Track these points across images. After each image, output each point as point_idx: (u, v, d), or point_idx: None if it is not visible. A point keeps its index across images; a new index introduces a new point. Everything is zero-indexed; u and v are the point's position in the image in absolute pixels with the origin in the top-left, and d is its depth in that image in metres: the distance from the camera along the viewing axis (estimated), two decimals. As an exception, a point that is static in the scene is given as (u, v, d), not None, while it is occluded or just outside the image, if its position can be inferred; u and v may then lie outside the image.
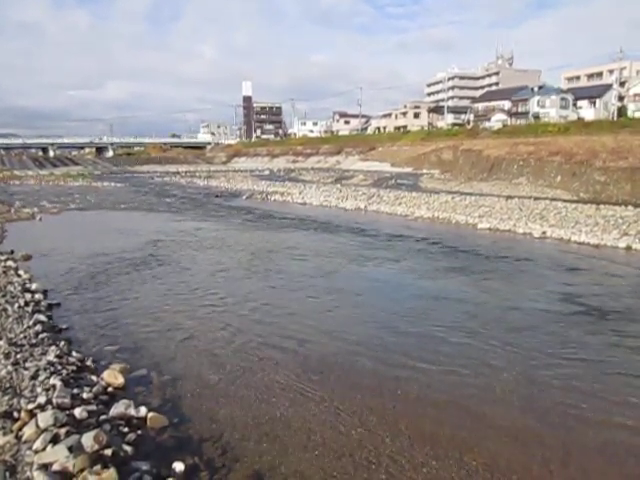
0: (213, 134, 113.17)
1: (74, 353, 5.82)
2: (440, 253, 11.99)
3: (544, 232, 14.23)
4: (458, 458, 4.16)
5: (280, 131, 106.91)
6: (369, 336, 6.57)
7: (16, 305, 7.31)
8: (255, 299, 8.22)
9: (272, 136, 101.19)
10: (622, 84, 52.10)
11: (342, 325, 7.05)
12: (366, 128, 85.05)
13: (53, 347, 5.83)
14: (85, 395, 4.80)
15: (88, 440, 3.93)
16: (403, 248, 12.59)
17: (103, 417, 4.47)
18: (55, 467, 3.70)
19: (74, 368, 5.37)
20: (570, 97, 54.28)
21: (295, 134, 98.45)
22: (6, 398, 4.54)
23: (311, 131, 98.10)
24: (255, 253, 12.00)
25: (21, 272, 9.46)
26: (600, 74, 61.25)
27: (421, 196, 23.71)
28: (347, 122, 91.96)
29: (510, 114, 58.91)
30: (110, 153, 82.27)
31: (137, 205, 23.39)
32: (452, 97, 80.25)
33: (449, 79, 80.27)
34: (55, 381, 4.87)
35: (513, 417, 4.76)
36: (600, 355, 6.09)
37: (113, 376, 5.27)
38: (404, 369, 5.64)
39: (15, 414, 4.30)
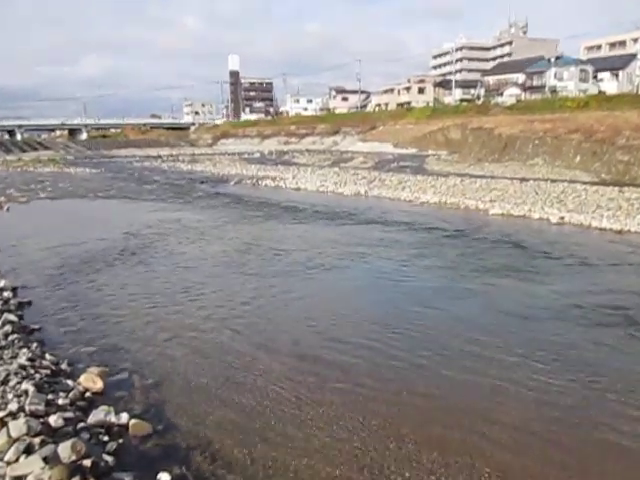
0: (197, 114, 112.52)
1: (48, 356, 5.82)
2: (449, 244, 12.01)
3: (562, 217, 14.27)
4: (469, 465, 4.20)
5: (271, 109, 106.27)
6: (369, 338, 6.59)
7: (-17, 304, 7.29)
8: (244, 297, 8.24)
9: (262, 115, 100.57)
10: (647, 54, 51.96)
11: (341, 326, 7.08)
12: (366, 105, 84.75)
13: (25, 349, 5.83)
14: (61, 401, 4.80)
15: (65, 450, 3.94)
16: (408, 238, 12.62)
17: (81, 425, 4.49)
18: (29, 479, 3.71)
19: (48, 372, 5.37)
20: (590, 69, 54.13)
21: (288, 113, 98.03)
22: (-26, 406, 4.54)
23: (305, 109, 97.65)
24: (244, 246, 11.99)
25: (-13, 268, 9.43)
26: (623, 43, 60.98)
27: (427, 179, 23.70)
28: (345, 99, 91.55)
29: (524, 88, 58.77)
30: (84, 136, 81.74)
31: (114, 193, 23.29)
32: (460, 70, 79.86)
33: (457, 50, 79.81)
34: (28, 386, 4.87)
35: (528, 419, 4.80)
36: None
37: (91, 380, 5.28)
38: (409, 371, 5.67)
39: (-16, 423, 4.31)
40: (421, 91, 75.34)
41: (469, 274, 9.38)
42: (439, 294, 8.29)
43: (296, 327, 6.96)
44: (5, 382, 4.98)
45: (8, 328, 6.48)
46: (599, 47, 64.74)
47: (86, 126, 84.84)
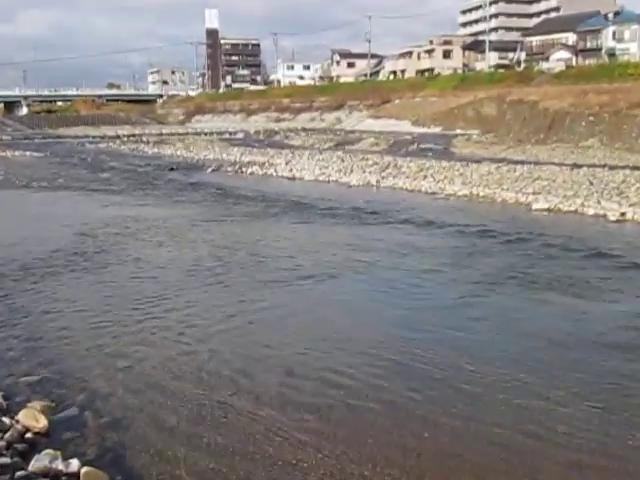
0: (166, 83, 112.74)
1: (-22, 387, 5.82)
2: (481, 249, 11.91)
3: (623, 214, 14.29)
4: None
5: (258, 78, 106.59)
6: (382, 369, 6.55)
7: None
8: (222, 314, 8.27)
9: (248, 85, 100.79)
10: None
11: (338, 353, 7.07)
12: (378, 72, 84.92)
13: (-51, 379, 5.82)
14: (-6, 444, 4.80)
15: (-1, 506, 3.93)
16: (429, 242, 12.66)
17: (20, 473, 4.48)
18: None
19: (-22, 408, 5.37)
20: (658, 27, 54.26)
21: (279, 82, 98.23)
22: None
23: (301, 78, 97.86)
24: (223, 251, 12.03)
25: None
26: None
27: (454, 166, 23.76)
28: (351, 65, 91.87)
29: (576, 51, 58.97)
30: (24, 110, 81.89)
31: (62, 183, 23.32)
32: (496, 29, 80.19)
33: (491, 3, 79.96)
34: (-48, 426, 4.86)
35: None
36: None
37: (33, 417, 5.27)
38: (431, 410, 5.66)
39: None
40: (447, 55, 75.54)
41: (507, 289, 9.33)
42: (467, 317, 8.21)
43: (284, 352, 6.96)
44: None
45: None
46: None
47: (26, 98, 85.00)
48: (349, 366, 6.53)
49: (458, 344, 7.14)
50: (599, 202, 15.49)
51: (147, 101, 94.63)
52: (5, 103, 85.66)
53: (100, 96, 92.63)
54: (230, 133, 56.46)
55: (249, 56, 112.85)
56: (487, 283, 9.57)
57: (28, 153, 37.61)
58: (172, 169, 27.70)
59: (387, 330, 7.69)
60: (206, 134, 55.27)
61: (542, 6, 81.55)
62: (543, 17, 76.92)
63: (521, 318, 8.16)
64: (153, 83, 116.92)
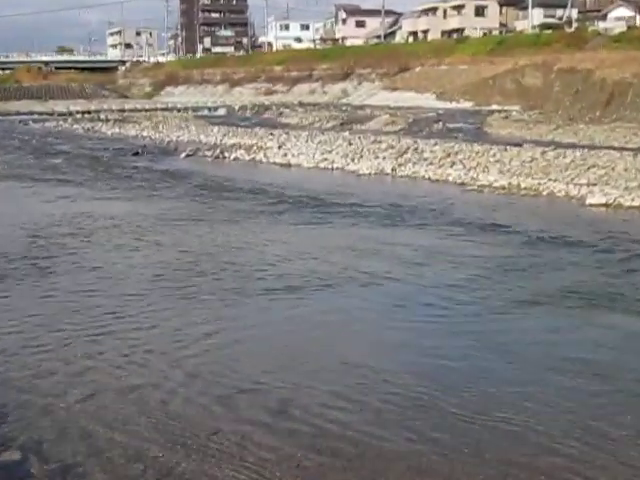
0: (129, 47, 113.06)
1: None
2: (525, 259, 11.65)
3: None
4: None
5: (245, 41, 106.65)
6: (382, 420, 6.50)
7: None
8: (195, 334, 8.26)
9: (231, 49, 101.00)
10: None
11: (344, 387, 7.06)
12: (393, 34, 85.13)
13: None
14: None
15: None
16: (457, 246, 12.55)
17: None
18: None
19: None
20: None
21: (271, 46, 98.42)
22: None
23: (298, 40, 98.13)
24: (197, 257, 12.03)
25: None
26: None
27: (489, 150, 23.72)
28: (361, 24, 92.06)
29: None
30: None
31: (0, 171, 23.29)
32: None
33: (535, -52, 80.00)
34: None
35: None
36: None
37: (-38, 465, 5.26)
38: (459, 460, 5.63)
39: None
40: (480, 12, 75.58)
41: (553, 311, 9.17)
42: (502, 348, 8.12)
43: (271, 384, 6.94)
44: None
45: None
46: None
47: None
48: (349, 401, 6.54)
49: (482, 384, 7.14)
50: (670, 196, 15.51)
51: (106, 69, 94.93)
52: None
53: (48, 63, 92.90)
54: (209, 109, 56.62)
55: (233, 13, 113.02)
56: (528, 302, 9.38)
57: (-43, 134, 37.63)
58: (136, 154, 27.73)
59: (392, 359, 7.66)
60: (179, 110, 55.36)
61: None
62: (600, -35, 76.89)
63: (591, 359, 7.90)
64: (113, 47, 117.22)
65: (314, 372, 7.26)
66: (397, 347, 8.06)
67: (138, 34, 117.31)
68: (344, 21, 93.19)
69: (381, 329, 8.68)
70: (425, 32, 77.74)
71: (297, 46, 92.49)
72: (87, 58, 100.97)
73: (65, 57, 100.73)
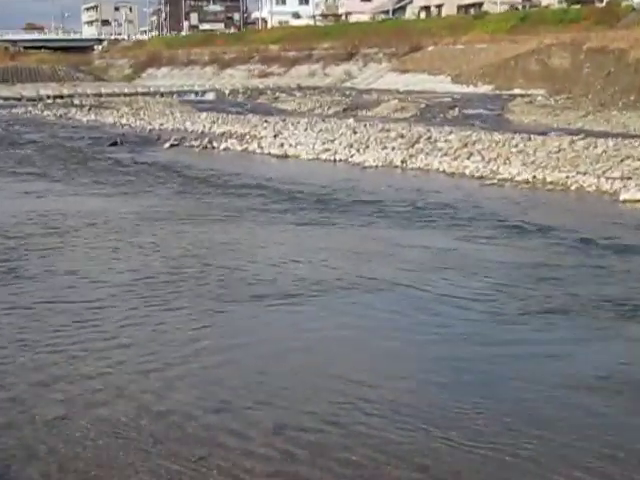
0: (107, 23, 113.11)
1: None
2: (553, 266, 11.54)
3: None
4: None
5: (236, 16, 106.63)
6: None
7: None
8: (176, 349, 8.25)
9: (221, 26, 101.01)
10: None
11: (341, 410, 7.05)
12: (404, 8, 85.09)
13: None
14: None
15: None
16: (474, 250, 12.51)
17: None
18: None
19: None
20: None
21: (266, 22, 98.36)
22: None
23: (296, 16, 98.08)
24: (181, 261, 11.99)
25: None
26: None
27: (511, 140, 23.73)
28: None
29: (682, -21, 58.82)
30: None
31: (-39, 163, 23.33)
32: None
33: None
34: None
35: None
36: None
37: None
38: None
39: None
40: (501, -16, 75.50)
41: (583, 325, 9.13)
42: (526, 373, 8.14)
43: (267, 406, 6.94)
44: None
45: None
46: None
47: None
48: (353, 424, 6.55)
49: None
50: None
51: (81, 49, 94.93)
52: None
53: (15, 42, 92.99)
54: (196, 93, 56.65)
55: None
56: (556, 314, 9.33)
57: None
58: (115, 144, 27.71)
59: (396, 379, 7.60)
60: (163, 94, 55.37)
61: None
62: None
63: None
64: (89, 24, 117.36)
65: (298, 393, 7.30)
66: (395, 368, 7.95)
67: (117, 9, 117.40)
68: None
69: (376, 347, 8.48)
70: (439, 7, 77.63)
71: (295, 22, 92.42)
72: (59, 37, 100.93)
73: (35, 36, 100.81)
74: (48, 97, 54.08)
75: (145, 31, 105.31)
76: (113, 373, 7.57)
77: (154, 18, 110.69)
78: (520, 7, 68.80)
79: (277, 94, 51.38)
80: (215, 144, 26.59)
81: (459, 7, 74.98)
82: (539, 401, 6.94)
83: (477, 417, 6.57)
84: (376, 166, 21.32)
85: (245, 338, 8.60)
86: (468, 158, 21.00)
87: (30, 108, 45.60)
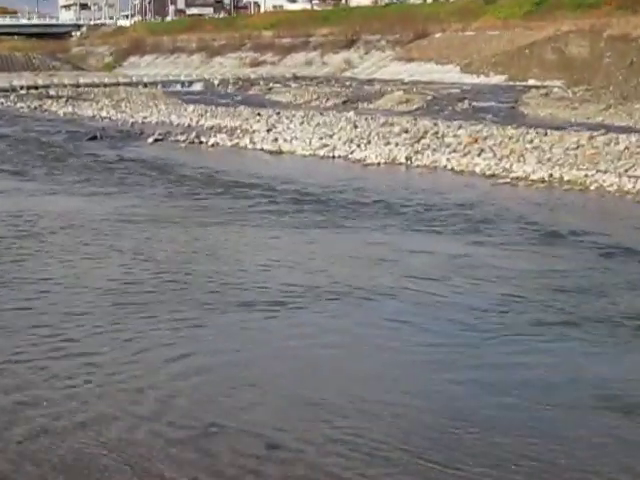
0: (86, 7, 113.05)
1: None
2: (570, 275, 11.51)
3: None
4: None
5: (226, 0, 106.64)
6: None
7: None
8: (159, 365, 8.23)
9: (210, 10, 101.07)
10: None
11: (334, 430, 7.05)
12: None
13: None
14: None
15: None
16: (483, 256, 12.46)
17: None
18: None
19: None
20: None
21: (258, 6, 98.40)
22: None
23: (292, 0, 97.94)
24: (165, 267, 12.02)
25: None
26: None
27: (525, 135, 23.80)
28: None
29: None
30: None
31: None
32: None
33: None
34: None
35: None
36: None
37: None
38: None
39: None
40: (515, -35, 75.55)
41: (593, 339, 9.02)
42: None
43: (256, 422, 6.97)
44: None
45: None
46: None
47: None
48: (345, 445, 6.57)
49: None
50: None
51: (57, 35, 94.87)
52: None
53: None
54: (183, 83, 56.77)
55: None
56: (569, 326, 9.31)
57: None
58: (94, 138, 27.81)
59: (391, 397, 7.56)
60: (146, 85, 55.47)
61: None
62: None
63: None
64: (66, 8, 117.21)
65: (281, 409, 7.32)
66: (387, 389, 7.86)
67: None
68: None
69: (370, 363, 8.41)
70: (448, -10, 77.86)
71: (290, 7, 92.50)
72: (34, 22, 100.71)
73: (7, 21, 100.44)
74: (21, 88, 54.05)
75: (127, 16, 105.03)
76: (80, 393, 7.43)
77: (137, 2, 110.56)
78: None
79: (271, 84, 51.45)
80: (203, 139, 26.64)
81: (469, -10, 75.10)
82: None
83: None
84: (378, 163, 21.37)
85: (226, 346, 8.59)
86: (478, 155, 21.04)
87: (2, 100, 45.60)
